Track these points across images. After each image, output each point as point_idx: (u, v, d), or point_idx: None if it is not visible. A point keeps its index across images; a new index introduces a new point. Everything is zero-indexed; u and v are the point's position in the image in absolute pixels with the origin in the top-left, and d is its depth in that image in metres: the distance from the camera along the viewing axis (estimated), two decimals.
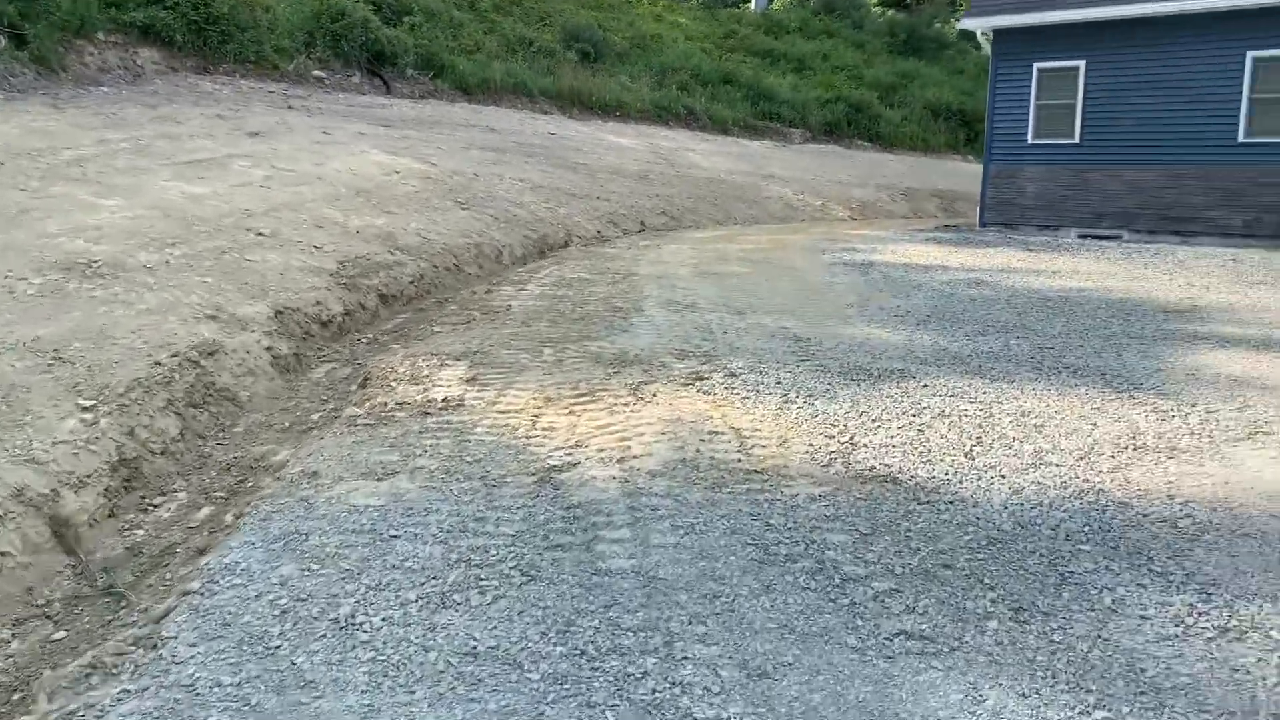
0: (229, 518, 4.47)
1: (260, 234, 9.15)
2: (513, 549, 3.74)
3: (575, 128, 21.94)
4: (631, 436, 5.03)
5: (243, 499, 4.70)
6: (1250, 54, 14.39)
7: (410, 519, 4.02)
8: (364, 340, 7.95)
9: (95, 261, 7.28)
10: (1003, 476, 4.62)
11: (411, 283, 9.56)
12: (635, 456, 4.74)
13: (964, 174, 27.07)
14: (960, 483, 4.53)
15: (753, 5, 46.02)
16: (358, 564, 3.64)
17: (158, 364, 5.73)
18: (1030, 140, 16.66)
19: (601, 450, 4.81)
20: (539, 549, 3.74)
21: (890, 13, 47.18)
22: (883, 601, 3.40)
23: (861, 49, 37.15)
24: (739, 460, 4.75)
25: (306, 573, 3.57)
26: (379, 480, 4.44)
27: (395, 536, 3.86)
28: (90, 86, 16.03)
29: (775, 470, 4.64)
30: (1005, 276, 10.98)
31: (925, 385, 6.17)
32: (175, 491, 4.98)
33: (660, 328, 7.61)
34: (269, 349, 6.78)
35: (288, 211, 10.15)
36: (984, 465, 4.77)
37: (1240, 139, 14.68)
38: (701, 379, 6.12)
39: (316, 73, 20.63)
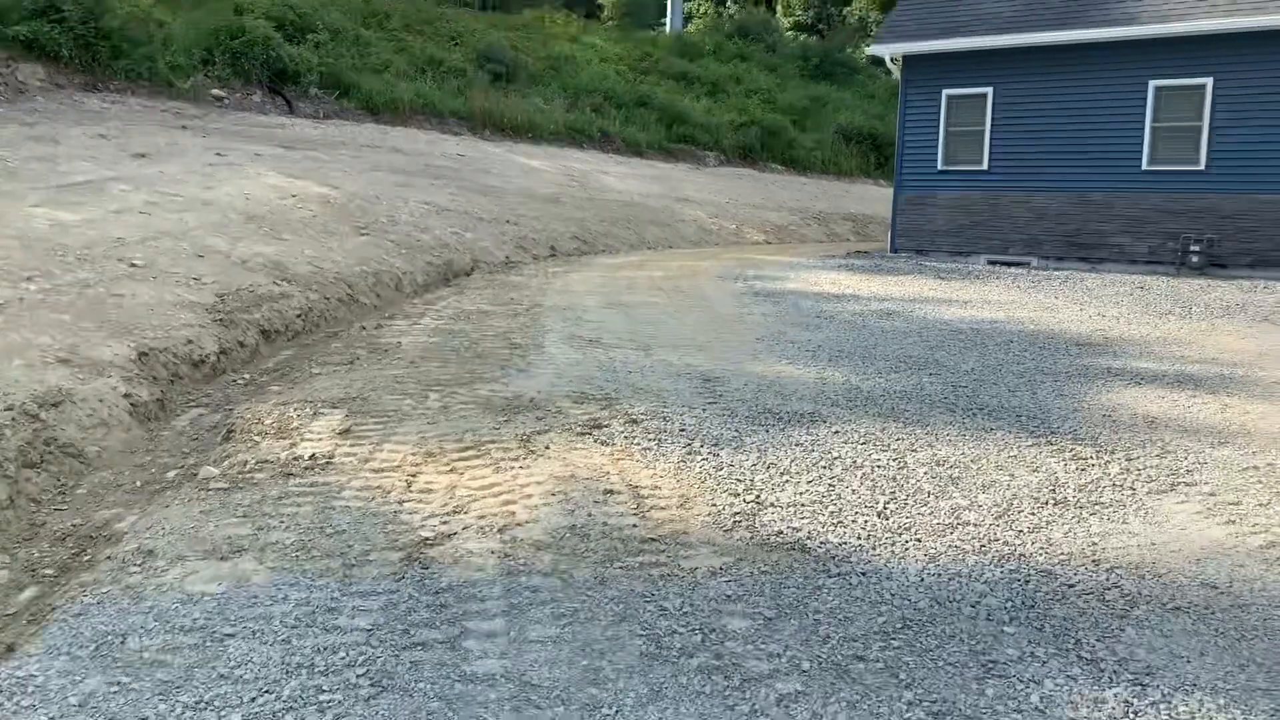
0: (53, 602, 3.87)
1: (133, 265, 8.45)
2: (365, 650, 3.22)
3: (486, 149, 21.41)
4: (518, 499, 4.53)
5: (73, 576, 4.09)
6: (1152, 83, 14.53)
7: (251, 611, 3.47)
8: (240, 381, 7.31)
9: None
10: (918, 540, 4.25)
11: (298, 316, 8.94)
12: (519, 524, 4.25)
13: (875, 198, 27.19)
14: (874, 549, 4.14)
15: (668, 26, 46.04)
16: (180, 674, 3.08)
17: None
18: (940, 166, 16.63)
19: (482, 517, 4.31)
20: (396, 649, 3.23)
21: (803, 37, 47.63)
22: (787, 708, 2.96)
23: (775, 73, 37.30)
24: (635, 526, 4.29)
25: (115, 689, 3.00)
26: (223, 560, 3.87)
27: (230, 635, 3.31)
28: None
29: (674, 537, 4.19)
30: (917, 307, 10.76)
31: (837, 431, 5.80)
32: None
33: (560, 367, 7.13)
34: (127, 396, 6.13)
35: (167, 240, 9.45)
36: (898, 526, 4.39)
37: (1144, 166, 14.80)
38: (600, 426, 5.65)
39: (215, 91, 19.80)
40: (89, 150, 12.86)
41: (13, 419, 5.16)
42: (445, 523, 4.24)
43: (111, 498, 5.03)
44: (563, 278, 11.69)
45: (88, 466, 5.39)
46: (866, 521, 4.44)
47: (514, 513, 4.37)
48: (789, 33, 47.98)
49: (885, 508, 4.61)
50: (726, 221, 20.96)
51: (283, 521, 4.24)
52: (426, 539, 4.07)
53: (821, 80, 37.54)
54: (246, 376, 7.45)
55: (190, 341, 7.29)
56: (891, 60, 17.35)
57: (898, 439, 5.69)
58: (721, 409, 6.12)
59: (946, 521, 4.46)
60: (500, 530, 4.17)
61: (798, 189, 26.26)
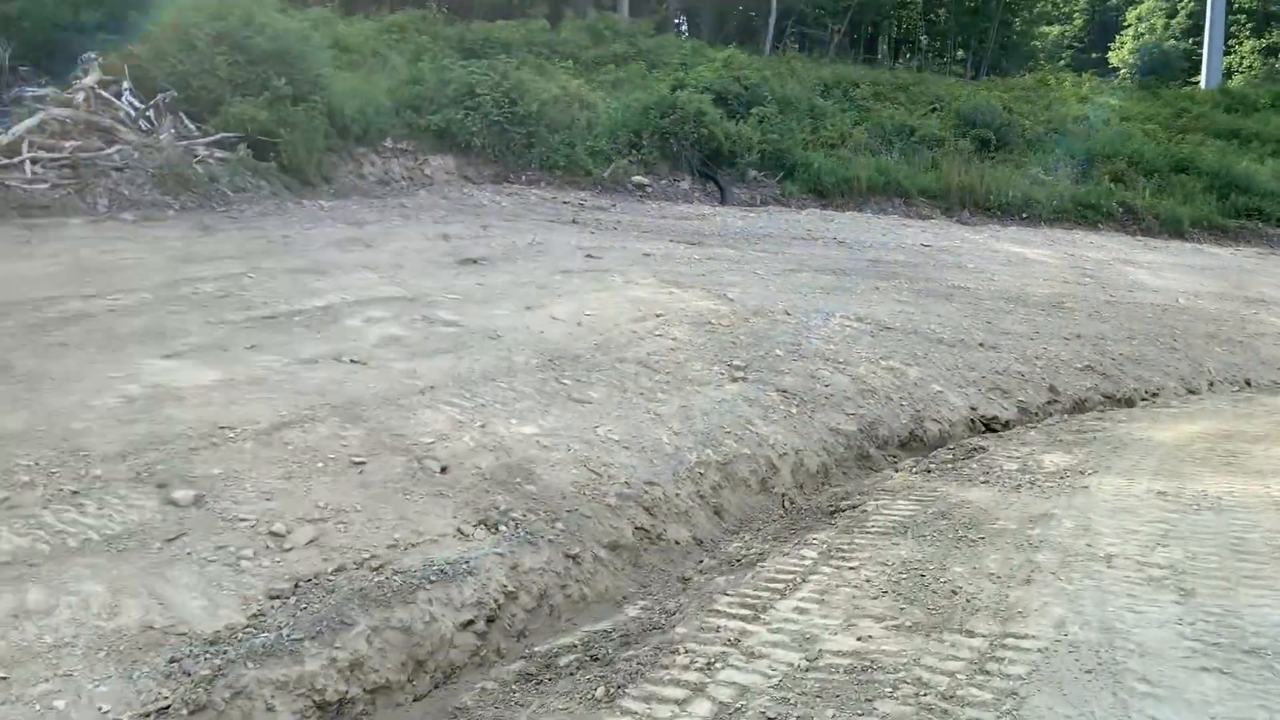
0: None
1: (170, 505, 3.95)
2: None
3: (960, 236, 15.35)
4: None
5: None
6: None
7: None
8: None
9: None
10: None
11: (471, 623, 3.86)
12: None
13: None
14: None
15: (1203, 82, 36.30)
16: None
17: None
18: None
19: None
20: None
21: None
22: None
23: None
24: None
25: None
26: None
27: None
28: (343, 199, 12.36)
29: None
30: None
31: None
32: None
33: None
34: None
35: (295, 431, 4.91)
36: None
37: None
38: None
39: (637, 179, 15.97)
40: (398, 257, 9.11)
41: None
42: None
43: None
44: (1073, 493, 5.49)
45: None
46: None
47: None
48: None
49: None
50: None
51: None
52: None
53: None
54: None
55: None
56: None
57: None
58: None
59: None
60: None
61: None
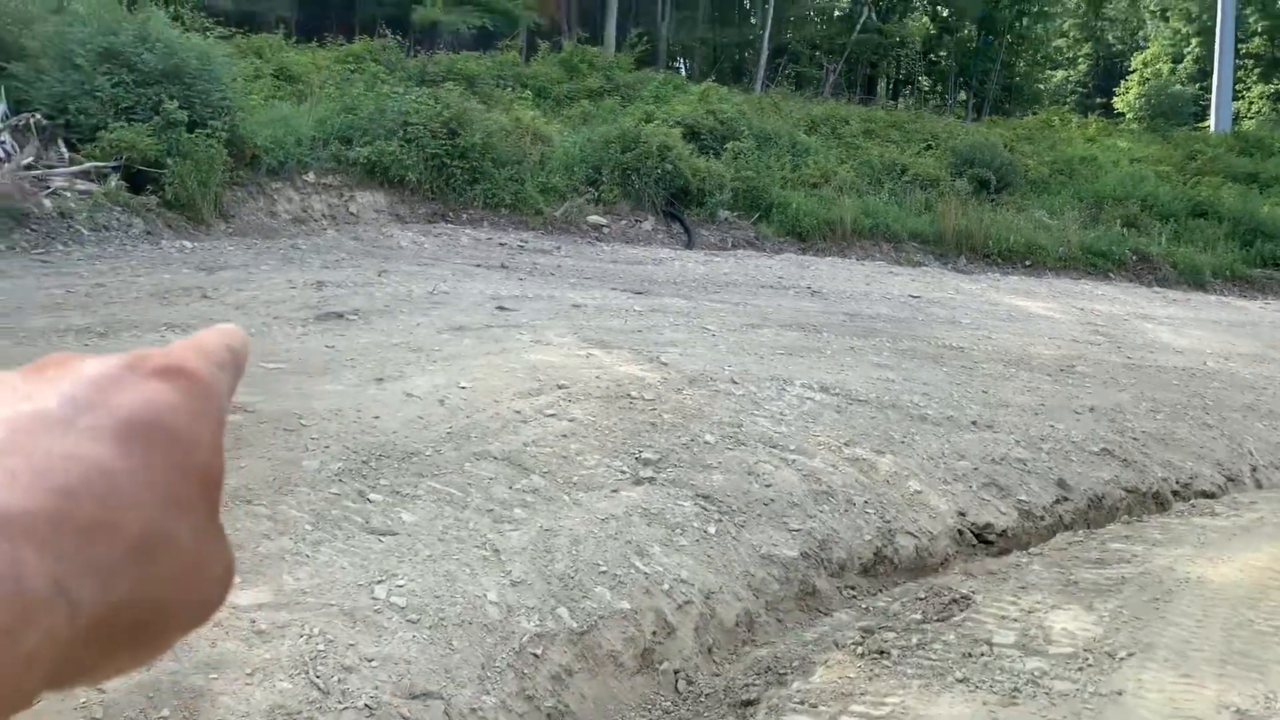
0: None
1: None
2: None
3: (955, 285, 13.28)
4: None
5: None
6: None
7: None
8: None
9: None
10: None
11: None
12: None
13: None
14: None
15: (1212, 125, 34.38)
16: None
17: None
18: None
19: None
20: None
21: None
22: None
23: None
24: None
25: None
26: None
27: None
28: (224, 240, 10.45)
29: None
30: None
31: None
32: None
33: None
34: None
35: None
36: None
37: None
38: None
39: (593, 218, 14.01)
40: (238, 311, 7.11)
41: None
42: None
43: None
44: (1102, 716, 3.39)
45: None
46: None
47: None
48: None
49: None
50: None
51: None
52: None
53: None
54: None
55: None
56: None
57: None
58: None
59: None
60: None
61: None
